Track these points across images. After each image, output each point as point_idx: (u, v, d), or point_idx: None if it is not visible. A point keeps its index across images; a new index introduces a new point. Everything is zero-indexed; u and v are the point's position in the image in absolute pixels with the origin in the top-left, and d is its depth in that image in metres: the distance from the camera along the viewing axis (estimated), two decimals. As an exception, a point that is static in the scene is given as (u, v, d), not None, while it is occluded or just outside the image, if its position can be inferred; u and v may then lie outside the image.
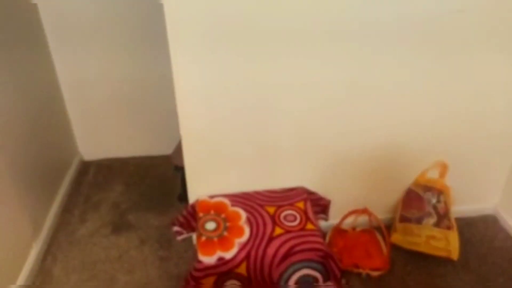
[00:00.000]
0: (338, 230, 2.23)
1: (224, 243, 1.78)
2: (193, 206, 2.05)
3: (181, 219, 2.09)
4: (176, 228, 2.15)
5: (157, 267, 2.11)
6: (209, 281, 1.75)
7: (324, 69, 1.83)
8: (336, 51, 1.79)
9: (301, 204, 1.98)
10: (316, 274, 1.82)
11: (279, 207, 1.97)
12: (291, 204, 1.98)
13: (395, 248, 2.16)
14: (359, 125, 2.01)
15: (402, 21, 1.75)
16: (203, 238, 1.81)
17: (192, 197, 2.10)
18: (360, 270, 2.02)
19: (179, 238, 2.17)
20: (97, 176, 2.80)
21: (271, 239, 1.79)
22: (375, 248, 2.14)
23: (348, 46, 1.78)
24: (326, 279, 1.85)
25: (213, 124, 1.91)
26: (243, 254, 1.74)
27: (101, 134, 2.91)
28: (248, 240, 1.79)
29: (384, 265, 2.04)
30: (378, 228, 2.24)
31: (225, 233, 1.83)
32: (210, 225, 1.87)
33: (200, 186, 2.09)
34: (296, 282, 1.81)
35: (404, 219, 2.15)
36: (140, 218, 2.42)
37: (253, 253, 1.74)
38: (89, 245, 2.24)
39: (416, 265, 2.08)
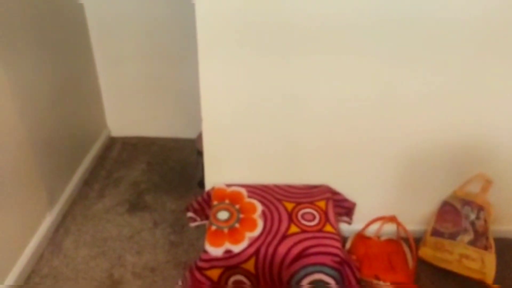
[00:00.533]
0: (361, 237, 2.06)
1: (234, 235, 1.67)
2: (208, 194, 1.95)
3: (196, 205, 2.00)
4: (190, 214, 2.07)
5: (166, 251, 2.03)
6: (214, 273, 1.65)
7: (358, 70, 1.67)
8: (370, 52, 1.62)
9: (322, 204, 1.84)
10: (330, 281, 1.67)
11: (298, 204, 1.83)
12: (312, 203, 1.84)
13: (422, 263, 1.97)
14: (394, 129, 1.83)
15: (438, 24, 1.56)
16: (213, 228, 1.71)
17: (208, 184, 2.01)
18: (381, 283, 1.85)
19: (193, 224, 2.09)
20: (122, 153, 2.78)
21: (284, 237, 1.66)
22: (400, 261, 1.96)
23: (383, 47, 1.61)
24: (340, 287, 1.70)
25: (235, 112, 1.80)
26: (252, 249, 1.62)
27: (131, 112, 2.88)
28: (260, 235, 1.67)
29: (408, 280, 1.86)
30: (406, 240, 2.05)
31: (237, 225, 1.72)
32: (223, 215, 1.77)
33: (218, 174, 1.99)
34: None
35: (436, 233, 1.95)
36: (157, 200, 2.36)
37: (263, 249, 1.62)
38: (103, 221, 2.20)
39: (444, 285, 1.88)
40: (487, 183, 1.90)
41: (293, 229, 1.70)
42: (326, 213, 1.78)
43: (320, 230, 1.70)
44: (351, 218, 2.05)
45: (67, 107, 2.31)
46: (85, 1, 2.47)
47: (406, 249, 2.02)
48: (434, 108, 1.77)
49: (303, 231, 1.69)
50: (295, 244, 1.64)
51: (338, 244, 1.65)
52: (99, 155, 2.73)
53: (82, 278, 1.89)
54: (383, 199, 2.04)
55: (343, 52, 1.63)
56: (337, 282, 1.68)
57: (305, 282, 1.67)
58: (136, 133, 2.95)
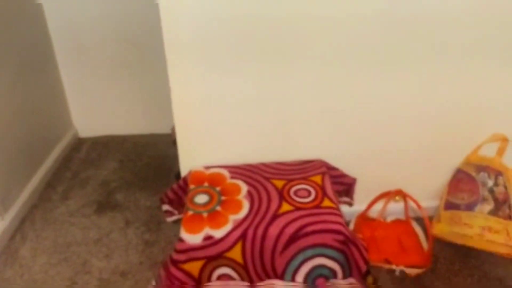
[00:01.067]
0: (364, 219, 1.79)
1: (215, 219, 1.39)
2: (185, 179, 1.67)
3: (171, 195, 1.71)
4: (166, 207, 1.78)
5: (140, 252, 1.73)
6: (194, 267, 1.36)
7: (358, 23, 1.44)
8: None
9: (317, 179, 1.57)
10: (334, 266, 1.39)
11: (290, 181, 1.56)
12: (305, 178, 1.57)
13: (438, 242, 1.70)
14: (396, 90, 1.59)
15: None
16: (190, 213, 1.43)
17: (184, 170, 1.73)
18: (393, 266, 1.57)
19: (170, 219, 1.80)
20: (90, 153, 2.48)
21: (275, 216, 1.39)
22: (412, 242, 1.69)
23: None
24: (346, 273, 1.42)
25: (210, 74, 1.54)
26: (238, 233, 1.34)
27: (99, 110, 2.61)
28: (246, 216, 1.39)
29: (424, 261, 1.59)
30: (417, 220, 1.79)
31: (218, 208, 1.44)
32: (201, 198, 1.49)
33: (194, 157, 1.72)
34: (307, 276, 1.39)
35: (450, 206, 1.69)
36: (130, 197, 2.07)
37: (250, 232, 1.34)
38: (66, 225, 1.90)
39: (466, 264, 1.61)
40: (504, 143, 1.66)
41: (285, 207, 1.43)
42: (323, 188, 1.52)
43: (317, 206, 1.43)
44: (352, 198, 1.78)
45: (25, 105, 2.06)
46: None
47: (418, 229, 1.75)
48: (441, 64, 1.54)
49: (297, 209, 1.41)
50: (289, 223, 1.36)
51: (341, 220, 1.38)
52: (64, 156, 2.43)
53: (38, 289, 1.58)
54: (386, 174, 1.78)
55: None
56: (342, 266, 1.39)
57: (303, 270, 1.38)
58: (107, 132, 2.67)
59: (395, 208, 1.83)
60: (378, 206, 1.79)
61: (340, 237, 1.34)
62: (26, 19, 2.11)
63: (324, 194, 1.48)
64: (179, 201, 1.72)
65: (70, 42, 2.39)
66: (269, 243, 1.34)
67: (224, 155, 1.72)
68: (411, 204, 1.71)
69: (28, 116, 2.10)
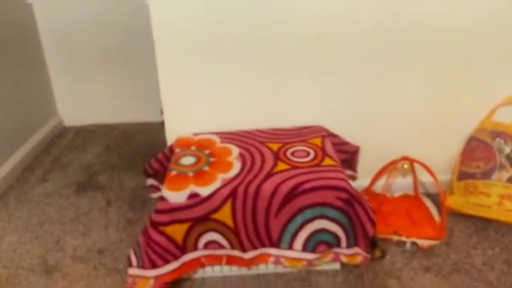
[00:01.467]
0: (369, 193, 1.63)
1: (202, 177, 1.23)
2: (171, 148, 1.52)
3: (155, 165, 1.55)
4: (150, 181, 1.62)
5: (121, 229, 1.56)
6: (178, 231, 1.19)
7: None
8: None
9: (317, 141, 1.42)
10: (337, 230, 1.22)
11: (286, 143, 1.41)
12: (304, 141, 1.42)
13: (452, 216, 1.53)
14: (401, 48, 1.46)
15: None
16: (173, 173, 1.27)
17: (171, 138, 1.58)
18: (403, 238, 1.40)
19: (154, 195, 1.64)
20: (75, 139, 2.33)
21: (270, 175, 1.23)
22: (423, 215, 1.52)
23: None
24: (351, 240, 1.24)
25: (196, 36, 1.42)
26: (227, 190, 1.18)
27: (85, 98, 2.48)
28: (237, 175, 1.23)
29: (437, 233, 1.41)
30: (427, 196, 1.63)
31: (206, 168, 1.28)
32: (187, 160, 1.33)
33: (182, 126, 1.57)
34: (307, 242, 1.22)
35: (464, 176, 1.54)
36: (113, 179, 1.91)
37: (241, 189, 1.18)
38: (42, 205, 1.73)
39: (485, 236, 1.44)
40: (520, 105, 1.52)
41: (281, 166, 1.27)
42: (323, 149, 1.36)
43: (317, 165, 1.27)
44: (355, 170, 1.62)
45: (7, 87, 1.93)
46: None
47: (429, 203, 1.58)
48: (449, 22, 1.42)
49: (295, 168, 1.26)
50: (285, 180, 1.20)
51: (344, 176, 1.22)
52: (47, 143, 2.28)
53: (3, 267, 1.39)
54: (391, 145, 1.63)
55: None
56: (346, 232, 1.22)
57: (302, 235, 1.21)
58: (94, 121, 2.52)
59: (402, 183, 1.67)
60: (383, 181, 1.63)
61: (344, 195, 1.18)
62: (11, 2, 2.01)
63: (325, 154, 1.33)
64: (165, 173, 1.56)
65: (57, 29, 2.30)
66: (262, 202, 1.17)
67: (215, 124, 1.57)
68: (420, 178, 1.56)
69: (10, 98, 1.98)
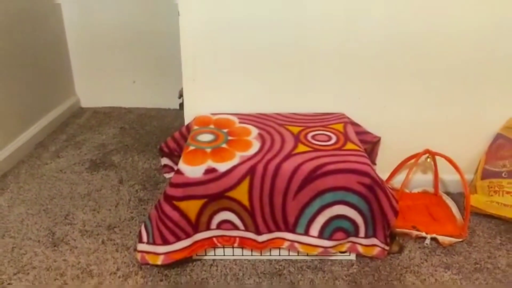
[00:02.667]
0: (388, 188, 1.57)
1: (219, 153, 1.19)
2: (188, 126, 1.49)
3: (172, 144, 1.52)
4: (165, 161, 1.59)
5: (132, 208, 1.53)
6: (192, 207, 1.15)
7: None
8: None
9: (339, 127, 1.37)
10: (357, 218, 1.17)
11: (307, 127, 1.37)
12: (325, 126, 1.38)
13: (474, 215, 1.47)
14: (424, 39, 1.42)
15: None
16: (191, 148, 1.23)
17: (188, 117, 1.55)
18: (423, 233, 1.34)
19: (168, 175, 1.60)
20: (91, 120, 2.32)
21: (290, 155, 1.18)
22: (443, 212, 1.47)
23: None
24: (370, 230, 1.19)
25: (221, 21, 1.39)
26: (245, 167, 1.14)
27: (103, 81, 2.47)
28: (256, 153, 1.19)
29: (459, 231, 1.35)
30: (447, 194, 1.58)
31: (224, 145, 1.24)
32: (205, 137, 1.30)
33: (201, 106, 1.54)
34: (323, 229, 1.17)
35: (489, 175, 1.48)
36: (127, 159, 1.88)
37: (260, 167, 1.14)
38: (53, 180, 1.71)
39: (510, 238, 1.38)
40: (553, 104, 1.46)
41: (302, 148, 1.23)
42: (345, 134, 1.32)
43: (339, 149, 1.23)
44: (374, 162, 1.57)
45: (23, 64, 1.94)
46: None
47: (449, 201, 1.53)
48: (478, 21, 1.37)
49: (316, 150, 1.21)
50: (306, 161, 1.15)
51: (367, 161, 1.17)
52: (62, 121, 2.27)
53: (9, 237, 1.37)
54: (413, 138, 1.57)
55: None
56: (365, 220, 1.18)
57: (320, 220, 1.17)
58: (112, 104, 2.51)
59: (422, 180, 1.62)
60: (402, 177, 1.57)
61: (366, 180, 1.13)
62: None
63: (347, 138, 1.29)
64: (180, 153, 1.53)
65: (79, 12, 2.30)
66: (281, 182, 1.13)
67: (234, 106, 1.53)
68: (439, 176, 1.51)
69: (29, 75, 1.98)
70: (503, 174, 1.44)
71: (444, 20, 1.40)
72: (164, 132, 2.16)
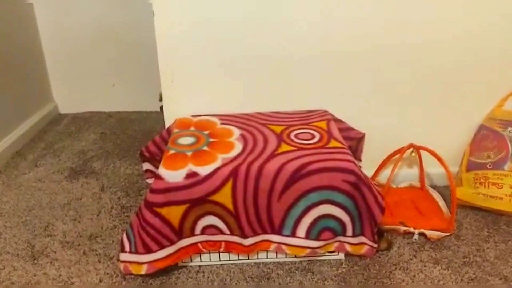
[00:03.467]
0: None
1: (200, 156, 1.16)
2: (168, 130, 1.45)
3: (152, 148, 1.48)
4: (146, 166, 1.55)
5: (114, 215, 1.48)
6: (174, 213, 1.11)
7: None
8: None
9: (322, 124, 1.35)
10: (343, 217, 1.15)
11: (290, 126, 1.34)
12: (308, 124, 1.35)
13: (460, 208, 1.47)
14: (404, 34, 1.40)
15: None
16: (171, 152, 1.19)
17: (168, 120, 1.51)
18: (411, 229, 1.33)
19: (150, 181, 1.56)
20: (70, 126, 2.26)
21: (273, 155, 1.16)
22: (430, 207, 1.46)
23: None
24: (357, 228, 1.18)
25: (197, 20, 1.35)
26: (227, 169, 1.10)
27: (81, 85, 2.41)
28: (238, 155, 1.16)
29: (446, 225, 1.35)
30: (433, 188, 1.57)
31: (205, 148, 1.21)
32: (186, 140, 1.26)
33: (181, 109, 1.50)
34: (310, 229, 1.15)
35: (474, 166, 1.47)
36: (108, 165, 1.83)
37: (243, 169, 1.11)
38: (32, 190, 1.65)
39: (497, 230, 1.37)
40: (534, 94, 1.46)
41: (285, 147, 1.20)
42: (329, 132, 1.29)
43: (323, 147, 1.20)
44: (359, 159, 1.55)
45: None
46: None
47: (436, 195, 1.52)
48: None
49: (300, 149, 1.19)
50: (290, 160, 1.13)
51: (351, 158, 1.15)
52: (40, 129, 2.20)
53: (-13, 251, 1.31)
54: (397, 132, 1.56)
55: None
56: (352, 219, 1.16)
57: (306, 221, 1.15)
58: (90, 109, 2.45)
59: (407, 174, 1.61)
60: (388, 172, 1.55)
61: (351, 178, 1.11)
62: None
63: (331, 136, 1.26)
64: (162, 157, 1.49)
65: (54, 15, 2.23)
66: (265, 183, 1.10)
67: (214, 107, 1.50)
68: (425, 169, 1.50)
69: (3, 82, 1.92)
70: (488, 166, 1.43)
71: (427, 17, 1.38)
72: (146, 136, 2.11)
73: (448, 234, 1.33)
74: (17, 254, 1.30)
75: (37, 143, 2.05)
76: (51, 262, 1.27)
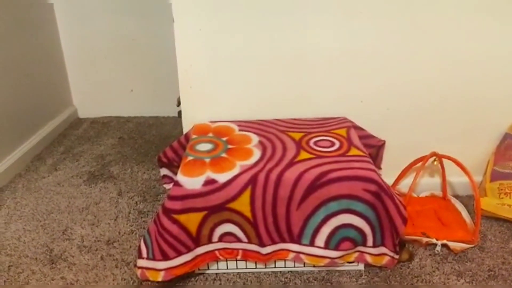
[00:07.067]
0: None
1: (218, 163, 1.15)
2: (187, 136, 1.44)
3: (170, 154, 1.48)
4: (164, 171, 1.55)
5: (132, 220, 1.48)
6: (192, 220, 1.10)
7: None
8: None
9: (342, 132, 1.33)
10: (364, 227, 1.12)
11: (309, 133, 1.32)
12: (327, 131, 1.33)
13: (484, 219, 1.42)
14: (429, 46, 1.38)
15: None
16: (189, 158, 1.19)
17: (187, 126, 1.51)
18: (433, 240, 1.29)
19: (168, 186, 1.56)
20: (89, 130, 2.28)
21: (292, 163, 1.14)
22: (453, 217, 1.42)
23: None
24: (378, 238, 1.15)
25: (217, 25, 1.35)
26: (246, 177, 1.09)
27: (101, 90, 2.43)
28: (257, 162, 1.15)
29: (470, 236, 1.31)
30: (456, 198, 1.53)
31: (224, 155, 1.20)
32: (204, 147, 1.25)
33: (199, 114, 1.50)
34: (330, 238, 1.13)
35: (498, 176, 1.43)
36: (126, 170, 1.84)
37: (262, 176, 1.09)
38: (51, 194, 1.66)
39: (523, 243, 1.33)
40: None
41: (305, 155, 1.18)
42: (349, 140, 1.27)
43: (343, 155, 1.18)
44: (379, 167, 1.52)
45: (19, 76, 1.92)
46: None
47: (458, 205, 1.48)
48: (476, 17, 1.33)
49: (319, 157, 1.17)
50: (309, 168, 1.11)
51: (372, 167, 1.13)
52: (59, 133, 2.23)
53: (6, 255, 1.32)
54: (418, 141, 1.52)
55: None
56: (373, 229, 1.13)
57: (325, 230, 1.12)
58: (109, 114, 2.47)
59: (429, 183, 1.57)
60: (409, 181, 1.52)
61: (372, 187, 1.08)
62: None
63: (351, 144, 1.24)
64: (179, 163, 1.48)
65: (74, 21, 2.26)
66: (284, 191, 1.09)
67: (233, 113, 1.49)
68: (447, 179, 1.46)
69: (25, 87, 1.95)
70: (513, 176, 1.39)
71: (449, 25, 1.35)
72: (163, 141, 2.12)
73: (472, 246, 1.29)
74: (36, 258, 1.31)
75: (56, 147, 2.08)
76: (68, 267, 1.27)
